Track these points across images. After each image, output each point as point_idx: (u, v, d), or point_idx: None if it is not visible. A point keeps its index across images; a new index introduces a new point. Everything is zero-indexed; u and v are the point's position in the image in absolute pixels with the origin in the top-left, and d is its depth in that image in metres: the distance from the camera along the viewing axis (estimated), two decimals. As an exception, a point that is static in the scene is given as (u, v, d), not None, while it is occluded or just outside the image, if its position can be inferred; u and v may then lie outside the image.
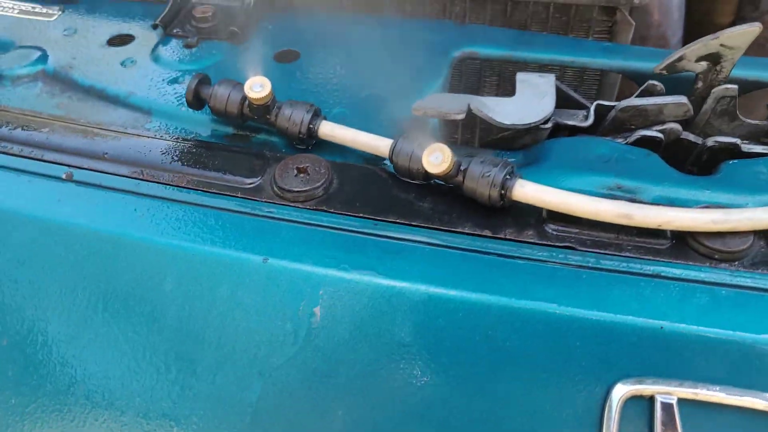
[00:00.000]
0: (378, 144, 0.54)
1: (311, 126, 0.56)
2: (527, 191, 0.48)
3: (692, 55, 0.57)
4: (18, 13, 0.77)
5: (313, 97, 0.62)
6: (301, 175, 0.53)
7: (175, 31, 0.72)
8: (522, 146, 0.61)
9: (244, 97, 0.56)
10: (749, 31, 0.55)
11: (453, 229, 0.49)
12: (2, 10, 0.77)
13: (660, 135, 0.57)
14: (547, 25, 0.75)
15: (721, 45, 0.56)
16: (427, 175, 0.51)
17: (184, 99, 0.58)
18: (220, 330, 0.47)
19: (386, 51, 0.68)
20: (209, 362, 0.47)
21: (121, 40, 0.71)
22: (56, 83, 0.67)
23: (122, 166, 0.56)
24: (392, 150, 0.52)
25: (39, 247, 0.51)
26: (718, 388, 0.42)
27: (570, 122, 0.60)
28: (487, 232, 0.49)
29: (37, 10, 0.77)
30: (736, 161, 0.55)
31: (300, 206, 0.52)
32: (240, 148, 0.58)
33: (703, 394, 0.42)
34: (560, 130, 0.61)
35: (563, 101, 0.63)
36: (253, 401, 0.47)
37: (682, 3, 0.91)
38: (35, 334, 0.50)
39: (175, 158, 0.57)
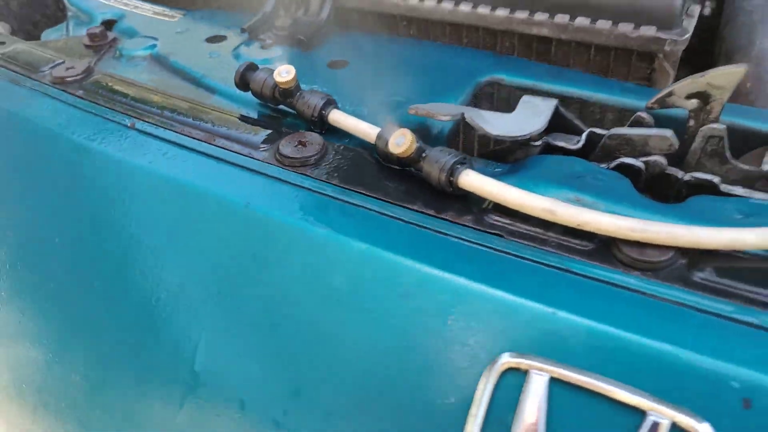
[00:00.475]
0: (371, 132, 0.63)
1: (323, 112, 0.66)
2: (471, 180, 0.54)
3: (681, 92, 0.59)
4: (151, 14, 0.97)
5: (340, 94, 0.72)
6: (299, 146, 0.63)
7: (259, 36, 0.87)
8: (515, 161, 0.66)
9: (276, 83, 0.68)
10: (735, 71, 0.57)
11: (403, 205, 0.56)
12: (141, 11, 0.98)
13: (640, 164, 0.60)
14: (588, 67, 0.80)
15: (708, 84, 0.58)
16: (400, 161, 0.59)
17: (235, 82, 0.72)
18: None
19: (421, 69, 0.78)
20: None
21: (216, 39, 0.87)
22: (156, 64, 0.84)
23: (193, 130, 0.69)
24: (376, 137, 0.61)
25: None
26: (590, 375, 0.44)
27: (561, 143, 0.65)
28: (431, 211, 0.55)
29: (165, 12, 0.96)
30: (705, 196, 0.56)
31: (291, 170, 0.62)
32: (264, 123, 0.69)
33: (575, 378, 0.44)
34: (552, 151, 0.65)
35: (565, 127, 0.67)
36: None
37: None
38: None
39: (217, 124, 0.70)
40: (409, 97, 0.72)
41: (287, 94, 0.67)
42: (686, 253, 0.49)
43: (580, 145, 0.64)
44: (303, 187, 0.60)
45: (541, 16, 0.77)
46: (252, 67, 0.71)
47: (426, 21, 0.85)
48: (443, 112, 0.63)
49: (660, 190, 0.61)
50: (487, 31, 0.82)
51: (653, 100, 0.61)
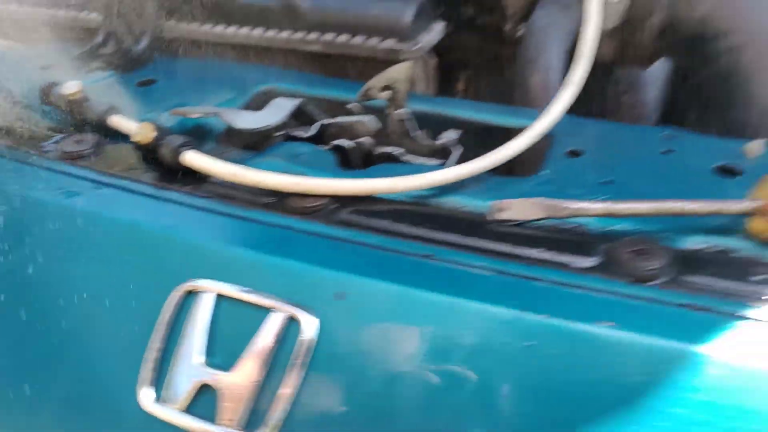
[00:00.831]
0: (132, 128, 0.78)
1: (104, 116, 0.81)
2: (191, 158, 0.69)
3: (376, 85, 0.76)
4: None
5: (141, 105, 0.87)
6: (77, 143, 0.78)
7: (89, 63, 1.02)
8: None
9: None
10: (405, 66, 0.74)
11: (139, 179, 0.71)
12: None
13: (345, 144, 0.76)
14: (355, 75, 0.96)
15: (389, 78, 0.74)
16: (146, 147, 0.73)
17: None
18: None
19: (212, 83, 0.93)
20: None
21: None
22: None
23: None
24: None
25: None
26: (242, 289, 0.58)
27: (297, 133, 0.80)
28: (164, 183, 0.70)
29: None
30: (385, 164, 0.72)
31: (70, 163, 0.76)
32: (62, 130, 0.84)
33: (237, 294, 0.59)
34: (294, 140, 0.81)
35: (311, 121, 0.83)
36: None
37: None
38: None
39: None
40: (194, 105, 0.87)
41: (75, 104, 0.82)
42: (338, 200, 0.64)
43: (311, 133, 0.80)
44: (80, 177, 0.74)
45: (312, 36, 0.94)
46: (53, 85, 0.86)
47: (220, 44, 1.01)
48: (196, 112, 0.79)
49: (368, 163, 0.77)
50: (272, 50, 0.98)
51: (359, 94, 0.77)
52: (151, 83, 0.95)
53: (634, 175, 0.66)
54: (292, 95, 0.91)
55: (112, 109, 0.81)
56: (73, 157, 0.76)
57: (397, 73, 0.74)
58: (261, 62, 1.01)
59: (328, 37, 0.94)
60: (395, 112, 0.76)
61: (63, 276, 0.66)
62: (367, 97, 0.76)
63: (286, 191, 0.65)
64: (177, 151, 0.70)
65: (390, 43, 0.91)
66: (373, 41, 0.91)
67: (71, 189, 0.70)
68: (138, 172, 0.73)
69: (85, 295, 0.64)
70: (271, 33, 0.97)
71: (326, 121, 0.80)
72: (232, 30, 0.99)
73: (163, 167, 0.72)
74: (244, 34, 0.98)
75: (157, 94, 0.92)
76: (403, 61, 0.89)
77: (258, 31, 0.97)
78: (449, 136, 0.77)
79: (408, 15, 0.91)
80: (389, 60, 0.92)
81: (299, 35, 0.95)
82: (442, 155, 0.75)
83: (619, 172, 0.66)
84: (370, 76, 0.94)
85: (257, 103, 0.93)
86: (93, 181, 0.71)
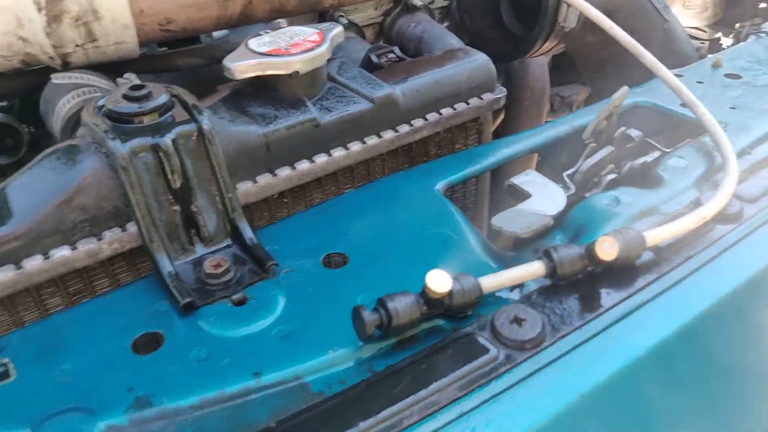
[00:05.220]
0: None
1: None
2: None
3: (602, 118, 0.88)
4: None
5: None
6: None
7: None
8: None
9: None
10: (624, 90, 0.88)
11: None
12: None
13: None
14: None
15: (614, 105, 0.88)
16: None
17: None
18: None
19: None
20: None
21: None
22: None
23: None
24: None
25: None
26: None
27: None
28: None
29: None
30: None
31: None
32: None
33: None
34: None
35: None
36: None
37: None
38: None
39: None
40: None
41: None
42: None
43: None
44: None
45: (420, 122, 0.95)
46: None
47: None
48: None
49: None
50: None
51: (590, 132, 0.87)
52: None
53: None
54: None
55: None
56: None
57: (618, 100, 0.87)
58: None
59: (433, 117, 0.96)
60: (627, 131, 0.89)
61: None
62: (598, 131, 0.88)
63: None
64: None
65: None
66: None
67: None
68: None
69: None
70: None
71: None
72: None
73: None
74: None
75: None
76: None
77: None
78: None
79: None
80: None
81: (406, 127, 0.94)
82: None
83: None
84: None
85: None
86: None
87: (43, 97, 0.87)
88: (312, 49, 0.85)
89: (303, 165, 0.85)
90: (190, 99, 0.78)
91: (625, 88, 0.89)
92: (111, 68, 0.96)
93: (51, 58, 0.89)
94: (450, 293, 0.62)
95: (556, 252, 0.66)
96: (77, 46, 0.89)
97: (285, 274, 0.73)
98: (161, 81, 1.05)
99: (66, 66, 0.90)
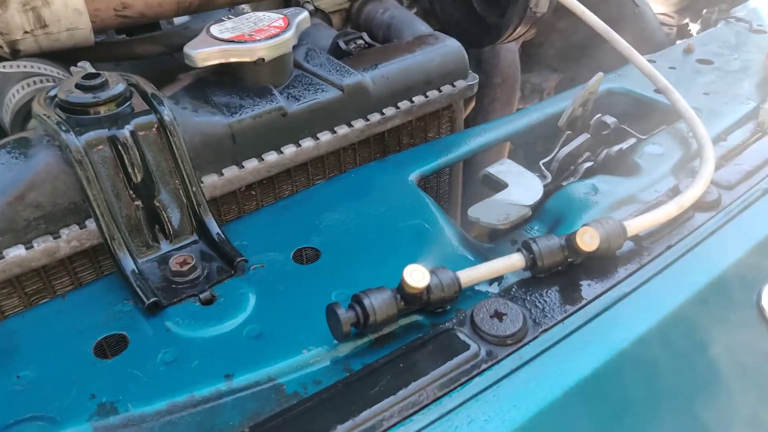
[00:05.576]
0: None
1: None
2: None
3: (577, 105, 0.87)
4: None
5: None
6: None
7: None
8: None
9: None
10: (599, 77, 0.87)
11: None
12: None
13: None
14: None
15: (589, 92, 0.87)
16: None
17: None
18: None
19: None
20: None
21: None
22: None
23: None
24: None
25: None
26: None
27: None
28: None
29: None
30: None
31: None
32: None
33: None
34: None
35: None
36: None
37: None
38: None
39: None
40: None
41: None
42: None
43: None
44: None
45: (392, 111, 0.93)
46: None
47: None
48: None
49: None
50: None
51: (565, 119, 0.86)
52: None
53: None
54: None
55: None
56: None
57: (593, 86, 0.87)
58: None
59: (405, 105, 0.94)
60: (602, 118, 0.88)
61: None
62: (573, 119, 0.87)
63: None
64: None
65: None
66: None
67: None
68: None
69: None
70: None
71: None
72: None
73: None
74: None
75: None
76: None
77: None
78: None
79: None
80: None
81: (377, 116, 0.92)
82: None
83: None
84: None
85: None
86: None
87: (-8, 85, 0.83)
88: (277, 35, 0.82)
89: (271, 156, 0.82)
90: (149, 88, 0.74)
91: (600, 74, 0.88)
92: (66, 57, 0.92)
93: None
94: (428, 288, 0.60)
95: (536, 244, 0.64)
96: (26, 32, 0.84)
97: (254, 271, 0.70)
98: (120, 70, 1.01)
99: (15, 54, 0.86)
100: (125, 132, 0.68)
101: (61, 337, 0.63)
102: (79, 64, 0.85)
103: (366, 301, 0.58)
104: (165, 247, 0.72)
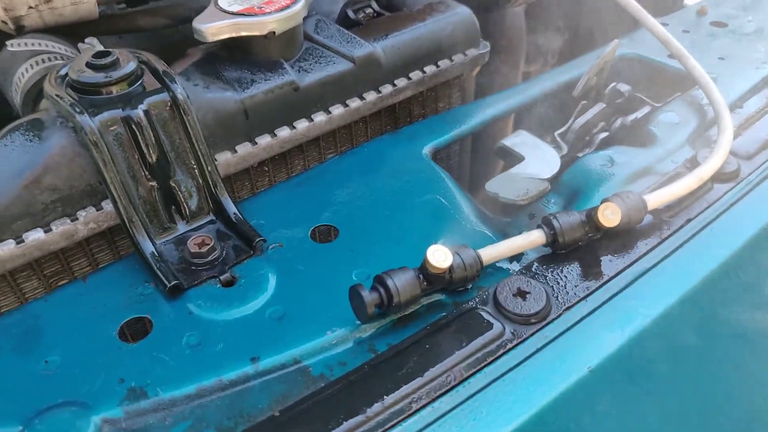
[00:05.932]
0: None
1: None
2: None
3: (592, 74, 0.86)
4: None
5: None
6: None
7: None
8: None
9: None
10: (614, 44, 0.86)
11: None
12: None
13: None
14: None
15: (605, 61, 0.86)
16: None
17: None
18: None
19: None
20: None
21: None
22: None
23: None
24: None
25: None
26: None
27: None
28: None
29: None
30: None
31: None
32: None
33: None
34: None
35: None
36: None
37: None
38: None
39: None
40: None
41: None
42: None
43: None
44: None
45: (404, 82, 0.92)
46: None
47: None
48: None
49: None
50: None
51: (582, 88, 0.85)
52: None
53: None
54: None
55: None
56: None
57: (609, 54, 0.85)
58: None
59: (416, 76, 0.93)
60: (617, 86, 0.87)
61: None
62: (588, 88, 0.86)
63: None
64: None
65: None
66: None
67: None
68: None
69: None
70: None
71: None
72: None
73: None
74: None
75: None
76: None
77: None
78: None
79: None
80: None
81: (389, 88, 0.91)
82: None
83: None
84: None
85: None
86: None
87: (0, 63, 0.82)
88: (287, 6, 0.81)
89: (283, 132, 0.82)
90: (160, 65, 0.73)
91: (616, 42, 0.87)
92: (69, 31, 0.90)
93: (3, 22, 0.83)
94: (450, 268, 0.60)
95: (557, 220, 0.64)
96: (30, 8, 0.83)
97: (273, 250, 0.70)
98: (123, 44, 0.99)
99: (20, 30, 0.84)
100: (139, 112, 0.67)
101: (85, 321, 0.63)
102: (86, 40, 0.84)
103: (389, 282, 0.58)
104: (182, 228, 0.72)
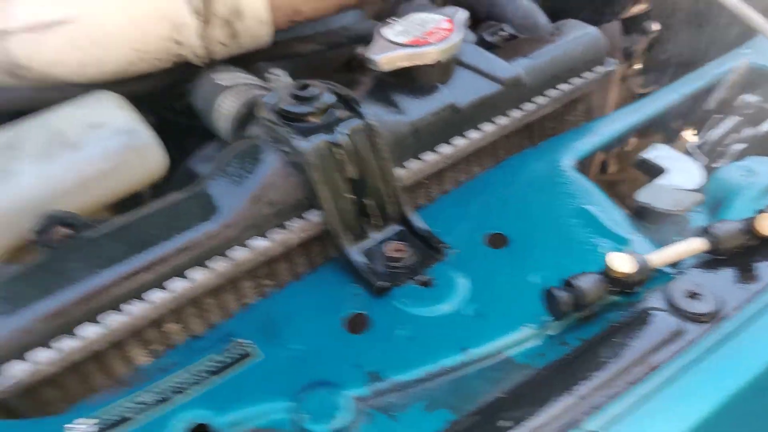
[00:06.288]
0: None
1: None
2: None
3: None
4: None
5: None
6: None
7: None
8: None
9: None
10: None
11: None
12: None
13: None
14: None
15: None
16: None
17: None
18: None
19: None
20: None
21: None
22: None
23: None
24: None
25: None
26: None
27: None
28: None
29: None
30: None
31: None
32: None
33: None
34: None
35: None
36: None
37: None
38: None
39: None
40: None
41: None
42: None
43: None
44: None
45: (543, 100, 1.01)
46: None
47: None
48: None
49: None
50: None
51: (717, 101, 0.93)
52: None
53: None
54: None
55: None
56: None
57: (741, 69, 0.93)
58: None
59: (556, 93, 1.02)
60: (746, 97, 0.95)
61: None
62: (720, 100, 0.94)
63: None
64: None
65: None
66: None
67: None
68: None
69: None
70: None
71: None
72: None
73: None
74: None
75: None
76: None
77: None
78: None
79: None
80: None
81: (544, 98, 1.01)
82: None
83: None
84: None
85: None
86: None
87: (200, 94, 0.94)
88: (448, 37, 0.91)
89: (444, 149, 0.92)
90: (345, 92, 0.85)
91: (746, 59, 0.95)
92: (239, 58, 1.03)
93: (198, 56, 0.95)
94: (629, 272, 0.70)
95: (717, 228, 0.73)
96: (222, 44, 0.96)
97: (455, 255, 0.81)
98: (278, 67, 1.11)
99: (211, 63, 0.97)
100: (343, 136, 0.79)
101: (312, 315, 0.75)
102: (273, 71, 0.96)
103: (579, 284, 0.69)
104: (376, 236, 0.83)
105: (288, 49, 1.11)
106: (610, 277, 0.70)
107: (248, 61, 1.03)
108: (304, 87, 0.82)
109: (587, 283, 0.69)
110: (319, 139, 0.78)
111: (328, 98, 0.81)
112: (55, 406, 0.72)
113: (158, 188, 0.91)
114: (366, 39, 1.02)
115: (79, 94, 0.92)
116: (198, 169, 0.96)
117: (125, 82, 0.95)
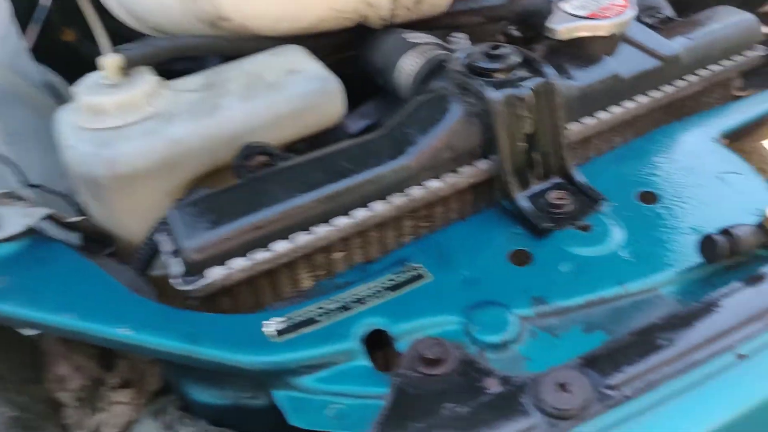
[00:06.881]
0: None
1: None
2: None
3: None
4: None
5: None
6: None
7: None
8: None
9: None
10: None
11: None
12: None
13: None
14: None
15: None
16: None
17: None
18: None
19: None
20: None
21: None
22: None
23: None
24: None
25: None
26: None
27: None
28: None
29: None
30: None
31: None
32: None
33: None
34: None
35: None
36: None
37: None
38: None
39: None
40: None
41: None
42: None
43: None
44: None
45: (695, 78, 1.08)
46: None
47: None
48: None
49: None
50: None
51: None
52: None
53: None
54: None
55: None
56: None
57: None
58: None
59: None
60: None
61: None
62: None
63: None
64: None
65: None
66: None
67: None
68: None
69: None
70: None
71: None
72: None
73: None
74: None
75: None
76: None
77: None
78: None
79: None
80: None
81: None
82: None
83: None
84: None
85: None
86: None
87: (383, 50, 1.06)
88: (623, 13, 1.00)
89: (602, 115, 1.01)
90: (531, 55, 0.94)
91: None
92: (407, 25, 1.14)
93: (381, 19, 1.07)
94: (781, 225, 0.77)
95: None
96: (407, 9, 1.07)
97: (610, 208, 0.90)
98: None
99: (390, 26, 1.09)
100: (528, 91, 0.89)
101: (478, 249, 0.86)
102: (455, 35, 1.08)
103: (737, 232, 0.77)
104: (537, 185, 0.93)
105: (454, 19, 1.22)
106: (765, 229, 0.77)
107: (415, 29, 1.14)
108: (496, 47, 0.93)
109: (745, 232, 0.76)
110: (506, 91, 0.88)
111: (516, 57, 0.92)
112: (250, 307, 0.85)
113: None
114: (522, 17, 1.13)
115: (270, 47, 1.06)
116: (351, 128, 1.09)
117: (305, 38, 1.07)
